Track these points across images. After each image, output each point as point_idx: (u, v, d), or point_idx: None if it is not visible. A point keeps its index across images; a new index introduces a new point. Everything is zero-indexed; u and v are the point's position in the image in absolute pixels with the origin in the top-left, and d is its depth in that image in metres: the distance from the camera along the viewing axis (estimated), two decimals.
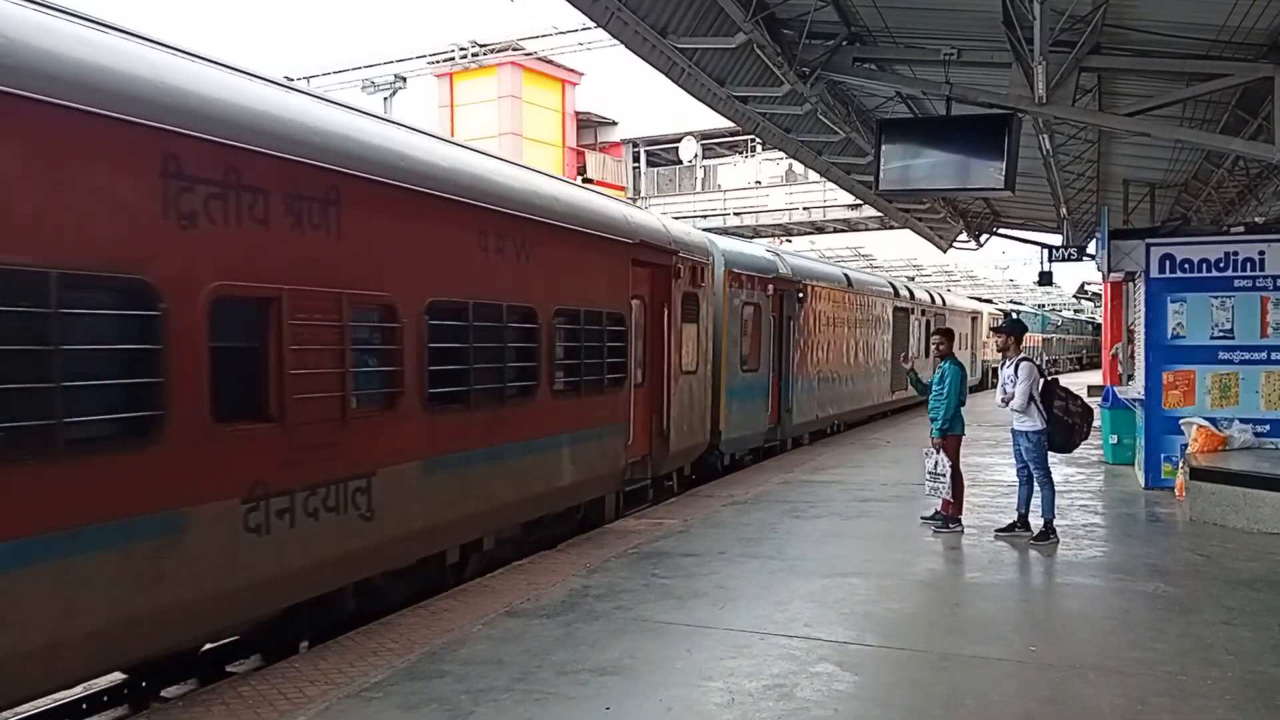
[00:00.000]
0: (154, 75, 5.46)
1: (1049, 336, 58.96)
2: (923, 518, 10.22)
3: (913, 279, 38.89)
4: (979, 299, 45.56)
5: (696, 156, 42.52)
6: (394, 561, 7.47)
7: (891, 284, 25.91)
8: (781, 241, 36.31)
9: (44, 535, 4.77)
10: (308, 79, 37.35)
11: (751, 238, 29.67)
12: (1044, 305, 64.90)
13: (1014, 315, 36.00)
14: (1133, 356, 20.55)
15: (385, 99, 33.79)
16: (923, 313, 27.82)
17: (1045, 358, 49.76)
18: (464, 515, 8.18)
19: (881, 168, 10.92)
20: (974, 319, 36.85)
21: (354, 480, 6.76)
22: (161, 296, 5.29)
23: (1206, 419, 11.52)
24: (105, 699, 6.68)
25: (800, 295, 17.65)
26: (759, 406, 16.09)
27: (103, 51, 5.24)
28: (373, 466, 6.92)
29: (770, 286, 16.23)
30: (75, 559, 4.91)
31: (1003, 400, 9.73)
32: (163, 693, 6.75)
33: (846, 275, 21.75)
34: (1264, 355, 11.71)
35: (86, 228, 4.96)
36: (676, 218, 20.75)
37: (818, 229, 38.14)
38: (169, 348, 5.32)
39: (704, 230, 16.71)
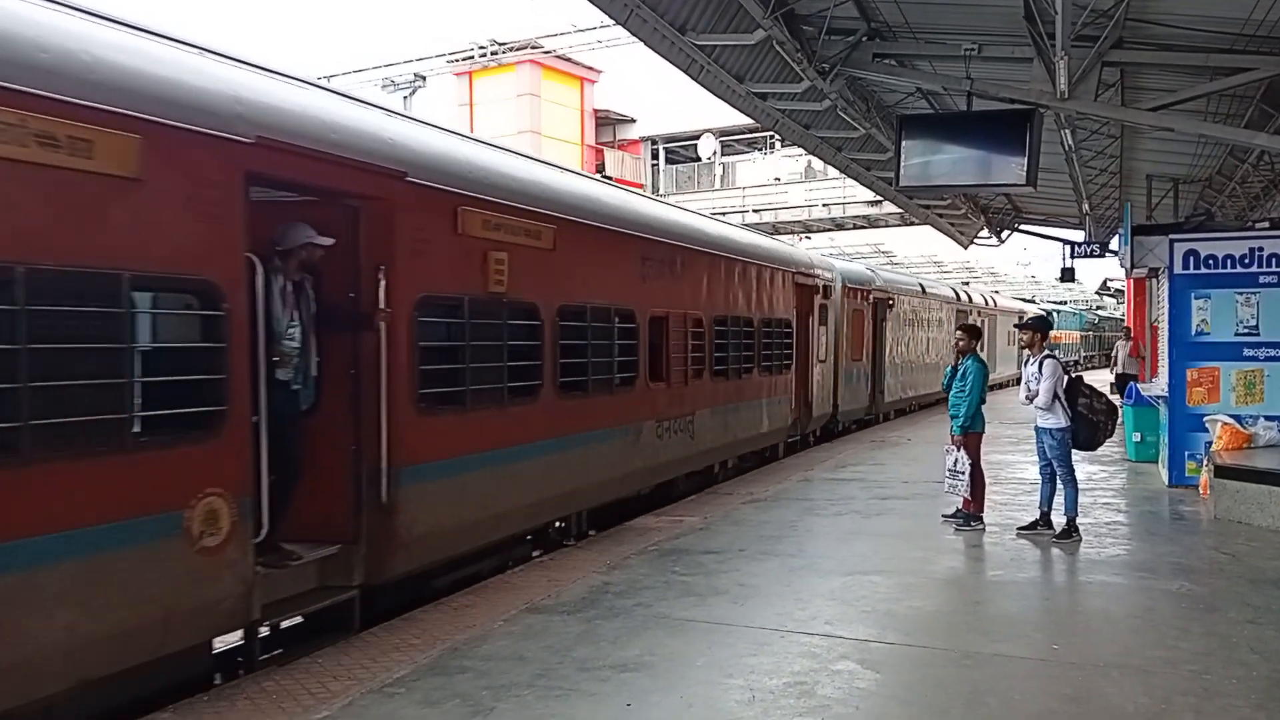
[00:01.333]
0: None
1: (1085, 334, 60.97)
2: (944, 515, 10.18)
3: (960, 279, 42.09)
4: (1024, 299, 50.56)
5: (715, 153, 42.50)
6: (698, 464, 12.86)
7: (954, 290, 31.21)
8: (801, 239, 36.24)
9: (575, 434, 9.47)
10: (329, 78, 37.56)
11: (772, 234, 29.73)
12: (1083, 305, 66.30)
13: (1052, 314, 39.03)
14: (1133, 355, 20.67)
15: (405, 98, 33.93)
16: (977, 313, 31.78)
17: (1083, 354, 52.86)
18: (725, 443, 13.60)
19: (902, 164, 10.87)
20: (1020, 318, 40.14)
21: (687, 417, 12.10)
22: (635, 317, 10.62)
23: (1231, 416, 11.41)
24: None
25: (890, 302, 22.62)
26: (862, 388, 20.97)
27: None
28: (693, 410, 12.25)
29: (870, 296, 21.22)
30: (592, 446, 9.84)
31: (1026, 398, 9.68)
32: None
33: (921, 285, 27.01)
34: None
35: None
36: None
37: (837, 225, 38.02)
38: (640, 342, 10.74)
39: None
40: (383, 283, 6.79)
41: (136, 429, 5.18)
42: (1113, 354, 23.70)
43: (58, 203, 4.75)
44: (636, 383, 10.64)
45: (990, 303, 35.75)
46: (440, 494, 7.48)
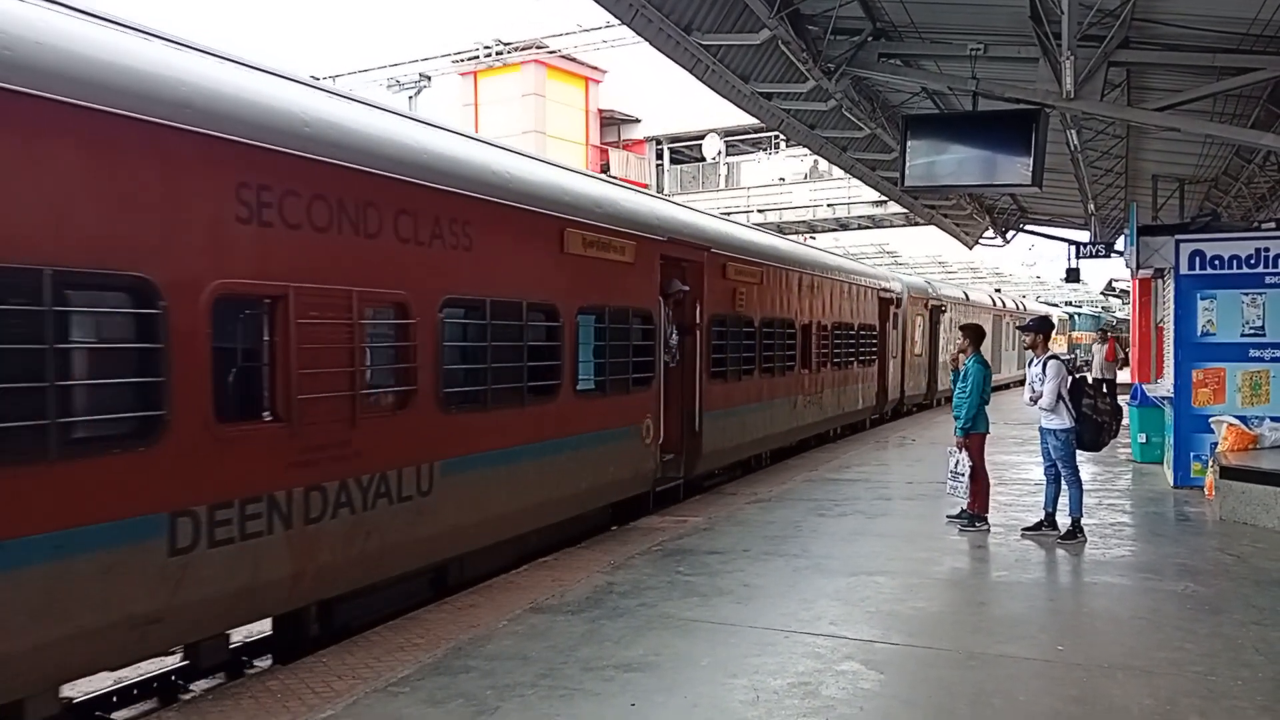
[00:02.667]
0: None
1: (1103, 334, 62.94)
2: (948, 516, 10.17)
3: (965, 279, 44.82)
4: (1050, 303, 54.63)
5: (720, 153, 42.49)
6: (822, 429, 17.97)
7: (991, 297, 36.18)
8: (806, 239, 36.27)
9: (772, 400, 14.91)
10: (334, 78, 37.60)
11: (780, 234, 30.02)
12: (1102, 307, 67.44)
13: (1074, 316, 41.17)
14: (1109, 359, 20.98)
15: (410, 98, 33.94)
16: (1010, 316, 36.46)
17: (1122, 353, 55.95)
18: (837, 414, 18.60)
19: (907, 164, 10.85)
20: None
21: (818, 394, 17.10)
22: (794, 323, 15.66)
23: (1237, 417, 11.40)
24: (135, 692, 6.67)
25: (942, 308, 27.50)
26: (922, 379, 26.11)
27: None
28: (821, 390, 17.25)
29: (928, 304, 26.36)
30: (776, 407, 14.99)
31: (1031, 399, 9.67)
32: (190, 686, 6.81)
33: (965, 293, 32.24)
34: None
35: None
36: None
37: (842, 226, 37.98)
38: (798, 341, 15.87)
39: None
40: (698, 308, 12.28)
41: (630, 383, 10.46)
42: (1089, 357, 23.86)
43: (612, 276, 10.07)
44: (795, 369, 15.92)
45: (1020, 307, 39.51)
46: (719, 428, 12.91)
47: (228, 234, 5.73)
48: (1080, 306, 63.17)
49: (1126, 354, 24.48)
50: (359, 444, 6.66)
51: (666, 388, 11.46)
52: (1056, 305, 55.48)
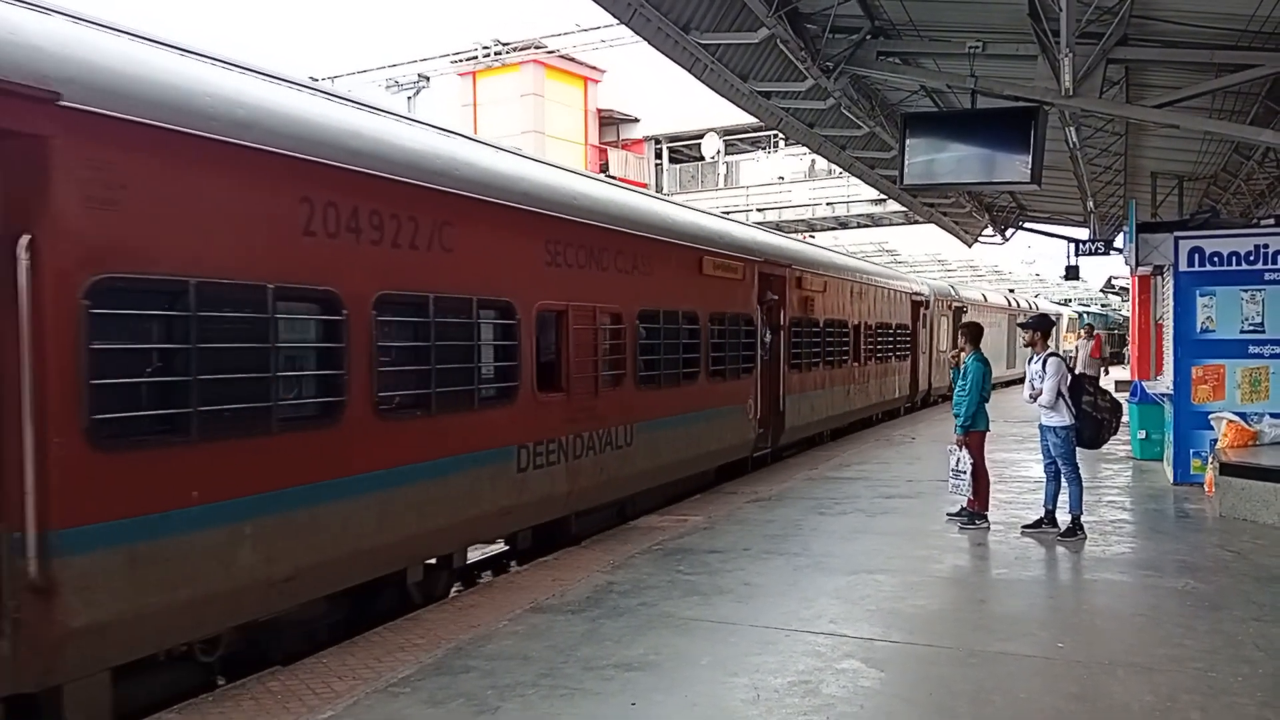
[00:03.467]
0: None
1: (1111, 332, 64.94)
2: (948, 514, 10.16)
3: (964, 277, 45.89)
4: (1060, 302, 56.72)
5: (719, 153, 42.45)
6: (867, 414, 20.97)
7: (1006, 298, 39.17)
8: (806, 238, 36.33)
9: (832, 388, 18.31)
10: (332, 79, 37.61)
11: (778, 233, 30.30)
12: (1107, 305, 68.25)
13: (1083, 315, 42.46)
14: (1094, 355, 21.18)
15: (409, 98, 33.91)
16: (1024, 316, 37.75)
17: (1109, 350, 57.19)
18: (878, 401, 21.59)
19: (906, 162, 10.86)
20: (1056, 320, 47.03)
21: (865, 383, 20.34)
22: (848, 324, 19.05)
23: (1236, 414, 11.38)
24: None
25: (963, 309, 29.84)
26: (947, 372, 27.63)
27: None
28: (867, 380, 20.44)
29: (951, 305, 29.09)
30: (836, 391, 18.25)
31: (1030, 396, 9.67)
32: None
33: (984, 294, 35.74)
34: None
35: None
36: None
37: (841, 224, 37.99)
38: (851, 337, 19.09)
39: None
40: (784, 313, 15.04)
41: (740, 370, 13.33)
42: (1074, 353, 23.88)
43: (729, 290, 13.06)
44: (849, 362, 18.84)
45: (1033, 306, 41.14)
46: (796, 409, 15.83)
47: (541, 273, 8.85)
48: (1089, 305, 63.84)
49: (1118, 352, 24.99)
50: (599, 409, 9.81)
51: (759, 376, 14.17)
52: (1067, 304, 56.57)
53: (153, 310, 5.42)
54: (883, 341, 21.60)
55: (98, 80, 5.10)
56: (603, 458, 9.83)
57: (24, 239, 4.73)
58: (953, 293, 30.27)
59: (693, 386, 11.92)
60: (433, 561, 7.98)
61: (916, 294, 24.98)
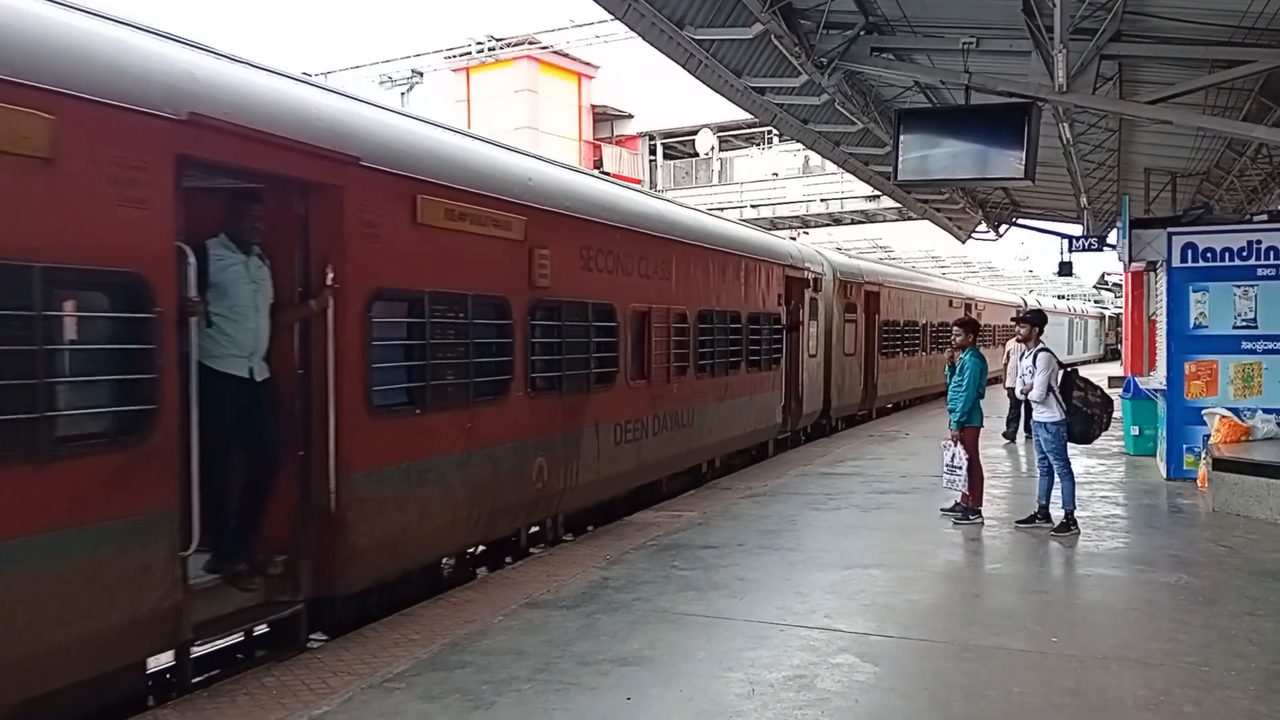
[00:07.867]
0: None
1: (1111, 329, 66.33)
2: (943, 509, 10.19)
3: (958, 274, 46.67)
4: (1061, 296, 57.85)
5: (713, 149, 42.47)
6: (909, 397, 25.75)
7: (1023, 300, 40.07)
8: (800, 234, 36.37)
9: (893, 374, 23.80)
10: (325, 74, 37.45)
11: (769, 230, 30.28)
12: (1112, 301, 69.58)
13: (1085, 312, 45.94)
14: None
15: (403, 94, 33.85)
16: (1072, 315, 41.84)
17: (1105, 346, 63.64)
18: (918, 386, 26.09)
19: (900, 158, 10.86)
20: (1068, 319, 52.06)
21: (908, 371, 25.07)
22: (916, 322, 25.51)
23: (1229, 409, 11.42)
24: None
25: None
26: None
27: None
28: (908, 369, 25.12)
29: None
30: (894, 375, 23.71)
31: (1021, 391, 9.69)
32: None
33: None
34: None
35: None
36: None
37: (835, 221, 38.02)
38: (924, 339, 26.06)
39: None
40: (798, 311, 16.66)
41: (771, 361, 15.16)
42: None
43: (764, 291, 15.12)
44: (898, 354, 23.36)
45: (1040, 305, 43.04)
46: (811, 397, 17.44)
47: (636, 281, 10.69)
48: (1094, 302, 64.93)
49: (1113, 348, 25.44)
50: (670, 394, 11.55)
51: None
52: (1071, 300, 57.80)
53: (404, 317, 7.21)
54: (921, 337, 25.99)
55: (378, 150, 6.87)
56: (674, 434, 11.73)
57: (329, 266, 6.37)
58: (977, 297, 30.29)
59: (735, 375, 13.76)
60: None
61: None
